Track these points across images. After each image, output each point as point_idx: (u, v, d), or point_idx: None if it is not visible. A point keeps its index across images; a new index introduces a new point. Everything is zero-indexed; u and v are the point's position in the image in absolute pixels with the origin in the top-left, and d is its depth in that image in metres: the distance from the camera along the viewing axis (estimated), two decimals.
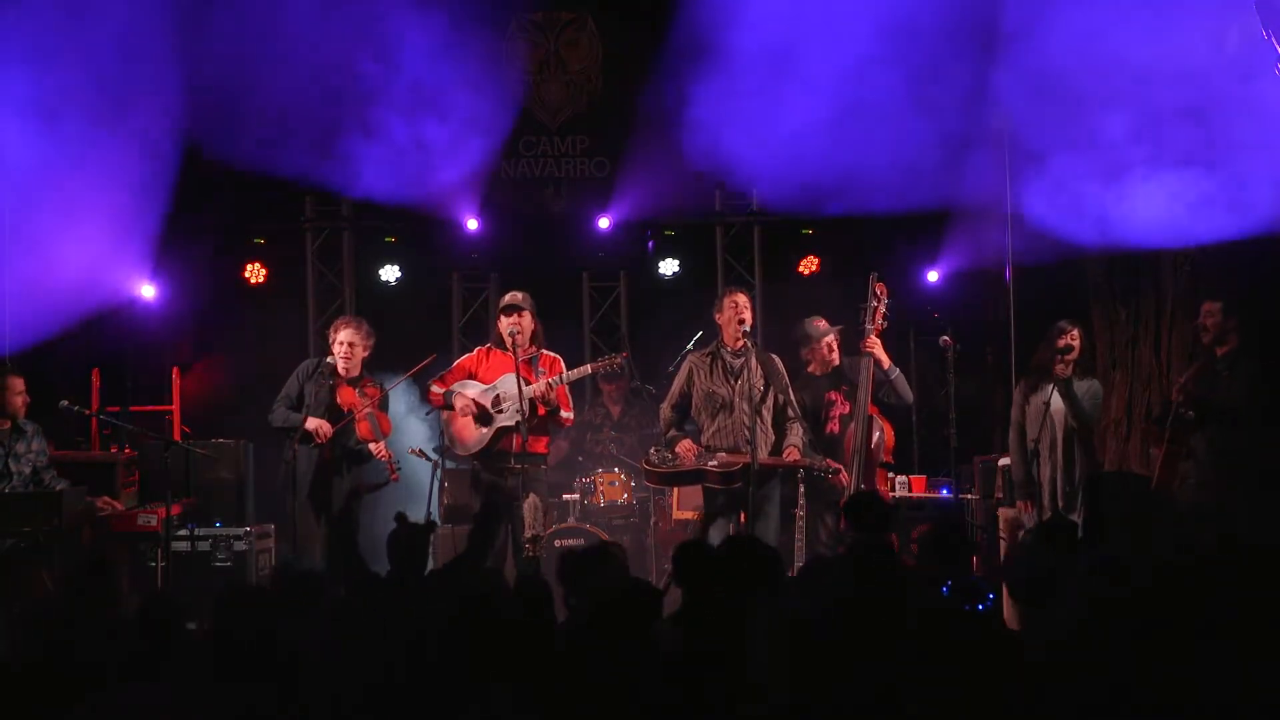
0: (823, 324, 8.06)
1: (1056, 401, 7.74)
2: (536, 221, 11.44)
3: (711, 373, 7.51)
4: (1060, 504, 7.67)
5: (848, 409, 7.80)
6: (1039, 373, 7.87)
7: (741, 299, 7.59)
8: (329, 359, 8.02)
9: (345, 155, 10.53)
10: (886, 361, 7.75)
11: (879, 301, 7.76)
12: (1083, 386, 7.82)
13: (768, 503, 7.39)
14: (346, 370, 7.94)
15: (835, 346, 7.99)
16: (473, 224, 11.07)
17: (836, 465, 7.57)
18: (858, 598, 3.90)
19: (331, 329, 8.14)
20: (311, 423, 7.77)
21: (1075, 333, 7.83)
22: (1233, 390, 7.52)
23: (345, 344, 7.96)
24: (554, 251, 11.31)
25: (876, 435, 7.80)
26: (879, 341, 7.71)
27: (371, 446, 7.91)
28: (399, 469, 8.00)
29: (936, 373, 8.62)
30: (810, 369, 8.05)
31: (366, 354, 8.04)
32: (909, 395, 7.90)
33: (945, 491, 8.78)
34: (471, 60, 10.67)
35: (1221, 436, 7.45)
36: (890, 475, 8.33)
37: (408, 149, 10.66)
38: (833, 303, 8.73)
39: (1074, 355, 7.80)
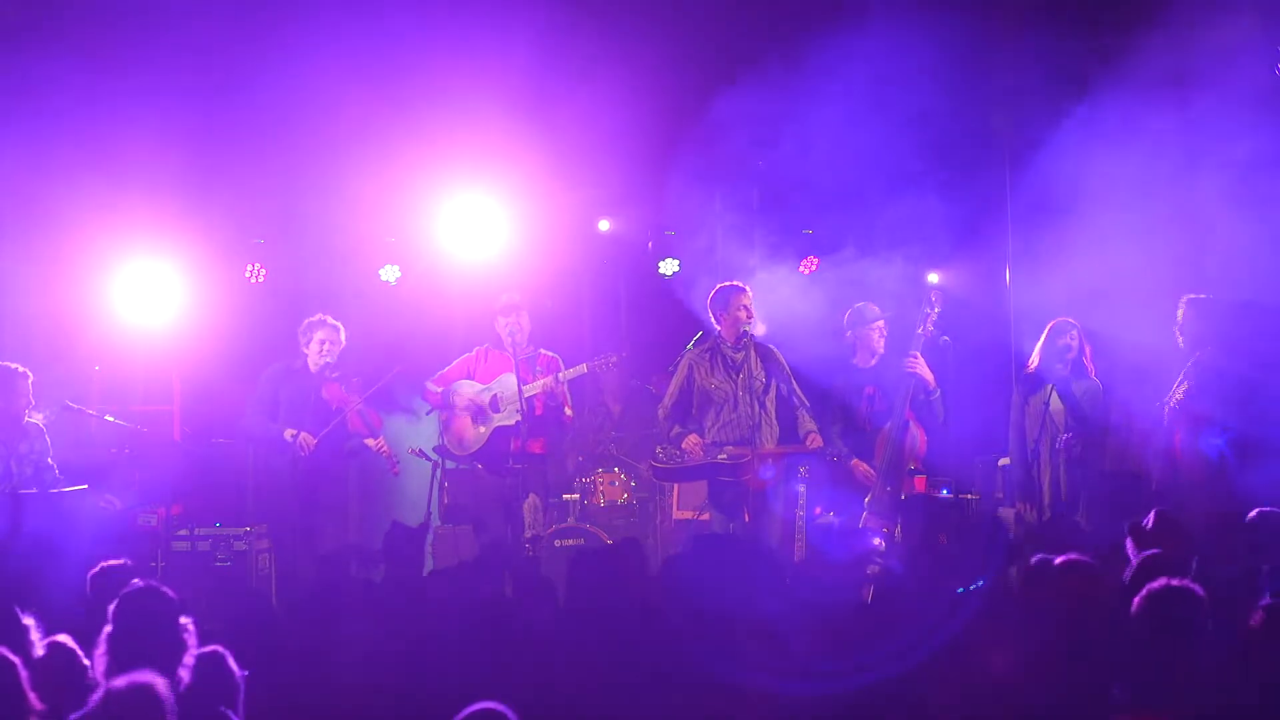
0: (875, 308, 8.08)
1: (1055, 402, 7.74)
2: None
3: (712, 369, 7.50)
4: (1062, 505, 7.67)
5: (883, 405, 7.80)
6: (1038, 373, 7.86)
7: (749, 299, 7.59)
8: (301, 360, 8.01)
9: None
10: (932, 381, 7.76)
11: (932, 309, 7.81)
12: (1081, 386, 7.81)
13: (772, 499, 7.39)
14: (327, 367, 7.94)
15: (884, 334, 8.01)
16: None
17: (845, 452, 7.61)
18: None
19: (304, 330, 8.08)
20: (291, 434, 7.77)
21: (1074, 333, 7.83)
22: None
23: (325, 342, 7.97)
24: (554, 251, 11.30)
25: (911, 440, 7.81)
26: (923, 361, 7.73)
27: (370, 442, 7.91)
28: (399, 463, 8.02)
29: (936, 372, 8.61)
30: (855, 359, 8.02)
31: (341, 347, 8.09)
32: (941, 415, 7.88)
33: (945, 491, 8.76)
34: None
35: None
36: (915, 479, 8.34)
37: None
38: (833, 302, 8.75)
39: (1073, 355, 7.80)
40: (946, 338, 8.16)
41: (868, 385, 7.88)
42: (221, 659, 3.93)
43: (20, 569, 7.28)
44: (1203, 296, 7.74)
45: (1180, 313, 7.67)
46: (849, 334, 8.05)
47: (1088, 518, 7.65)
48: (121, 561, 5.44)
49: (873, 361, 7.99)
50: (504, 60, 8.91)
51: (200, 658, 3.87)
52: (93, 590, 5.35)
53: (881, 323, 8.02)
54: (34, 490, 7.62)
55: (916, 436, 7.87)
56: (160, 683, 3.34)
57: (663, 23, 9.89)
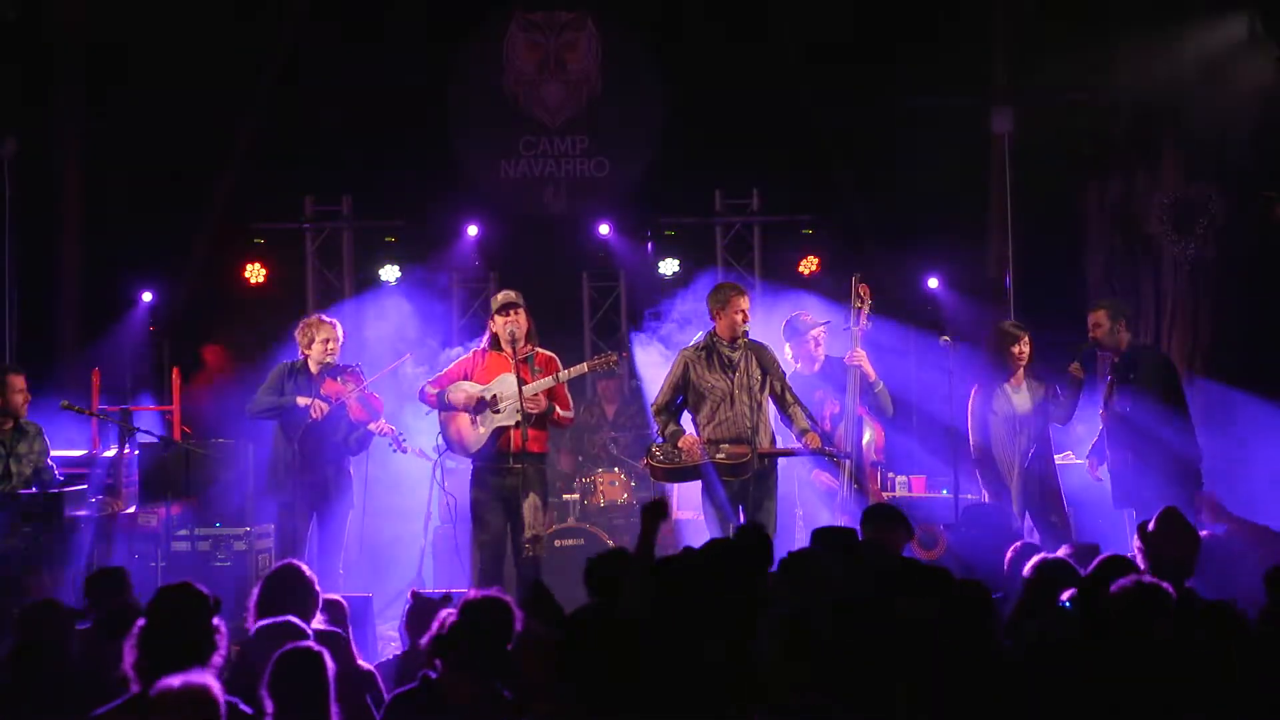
0: (809, 317, 8.14)
1: (1023, 407, 7.77)
2: (536, 221, 11.50)
3: (709, 366, 7.49)
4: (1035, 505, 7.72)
5: (838, 408, 7.84)
6: (992, 378, 7.88)
7: (747, 303, 7.58)
8: (301, 360, 7.99)
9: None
10: (873, 375, 7.80)
11: (863, 303, 7.82)
12: (1039, 390, 7.83)
13: (767, 498, 7.38)
14: (326, 366, 7.94)
15: (821, 341, 8.05)
16: (473, 230, 11.14)
17: (847, 451, 7.62)
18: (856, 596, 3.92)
19: (305, 330, 8.03)
20: (305, 401, 7.77)
21: (1026, 338, 7.87)
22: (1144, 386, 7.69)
23: (329, 341, 7.96)
24: (554, 251, 11.34)
25: (867, 435, 7.86)
26: (864, 354, 7.77)
27: (373, 426, 7.89)
28: (405, 440, 7.98)
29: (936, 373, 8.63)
30: (799, 367, 8.07)
31: (341, 343, 8.11)
32: (889, 409, 7.96)
33: (946, 491, 8.77)
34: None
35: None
36: (886, 474, 8.36)
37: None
38: (834, 303, 8.77)
39: (1026, 361, 7.84)
40: (947, 338, 8.18)
41: (816, 390, 7.91)
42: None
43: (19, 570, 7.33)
44: (1106, 300, 8.10)
45: (1091, 329, 7.86)
46: (788, 346, 8.09)
47: (1059, 517, 7.72)
48: (117, 568, 5.48)
49: (815, 368, 8.04)
50: None
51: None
52: (87, 593, 5.38)
53: (817, 330, 8.07)
54: (33, 490, 7.62)
55: (873, 430, 7.92)
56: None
57: None
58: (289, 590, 4.88)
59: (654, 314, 10.19)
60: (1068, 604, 4.42)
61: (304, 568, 5.06)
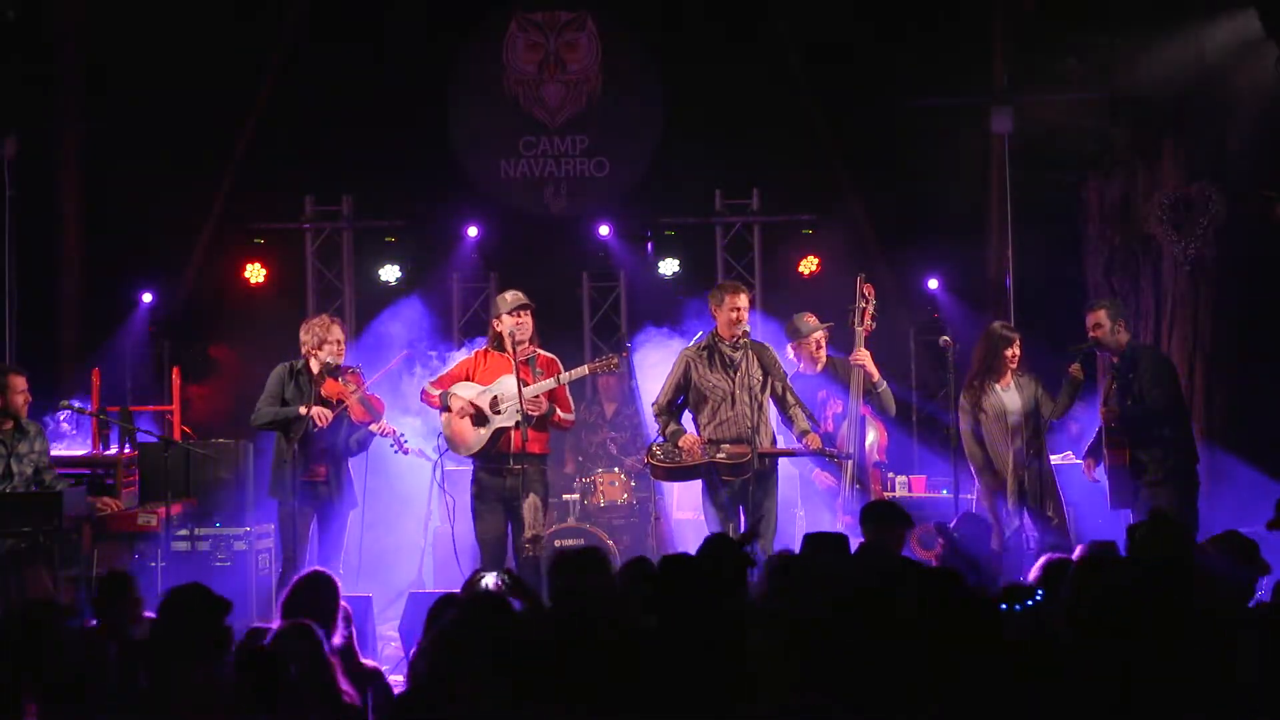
0: (812, 320, 8.09)
1: (1014, 405, 7.76)
2: (536, 221, 11.52)
3: (711, 366, 7.49)
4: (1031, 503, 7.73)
5: (840, 408, 7.83)
6: (984, 382, 7.86)
7: (743, 301, 7.56)
8: (304, 359, 7.90)
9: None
10: (876, 375, 7.79)
11: (867, 302, 7.81)
12: (1029, 387, 7.83)
13: (767, 498, 7.39)
14: (328, 366, 7.86)
15: (823, 344, 8.03)
16: (473, 230, 11.16)
17: (848, 452, 7.61)
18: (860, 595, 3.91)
19: (314, 331, 7.93)
20: (305, 409, 7.66)
21: (1019, 341, 7.87)
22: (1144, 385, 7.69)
23: (340, 342, 7.92)
24: (554, 251, 11.36)
25: (870, 436, 7.84)
26: (868, 354, 7.76)
27: (373, 426, 7.85)
28: (407, 441, 7.98)
29: (937, 373, 8.64)
30: (801, 368, 8.06)
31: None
32: (891, 409, 7.96)
33: (946, 491, 8.78)
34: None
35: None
36: (888, 475, 8.36)
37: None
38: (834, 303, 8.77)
39: (1015, 365, 7.84)
40: (947, 338, 8.17)
41: (820, 390, 7.90)
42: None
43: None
44: (1105, 300, 8.15)
45: (1091, 329, 7.86)
46: (790, 347, 8.08)
47: (1056, 512, 7.73)
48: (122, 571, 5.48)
49: (818, 368, 8.02)
50: None
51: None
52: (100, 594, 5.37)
53: (820, 333, 8.04)
54: (34, 490, 7.62)
55: (877, 430, 7.92)
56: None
57: None
58: (315, 597, 4.86)
59: (669, 317, 10.19)
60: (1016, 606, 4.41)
61: (334, 577, 5.00)
